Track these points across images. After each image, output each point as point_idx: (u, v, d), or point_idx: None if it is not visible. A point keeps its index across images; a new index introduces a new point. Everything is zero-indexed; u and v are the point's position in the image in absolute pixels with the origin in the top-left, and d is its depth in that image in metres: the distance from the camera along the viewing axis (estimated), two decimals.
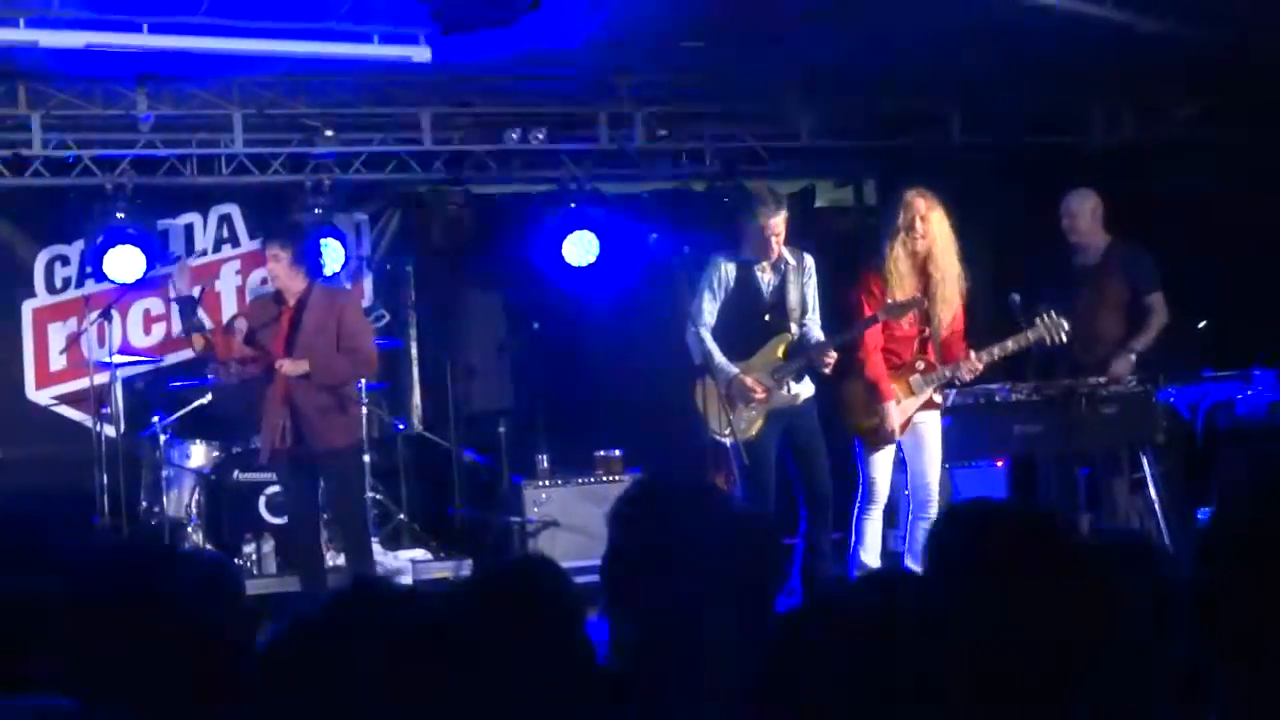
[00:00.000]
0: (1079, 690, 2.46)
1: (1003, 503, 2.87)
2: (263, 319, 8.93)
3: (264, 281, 10.24)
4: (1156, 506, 8.99)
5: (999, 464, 10.14)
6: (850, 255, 11.56)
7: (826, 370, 8.50)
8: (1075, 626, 2.48)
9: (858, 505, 8.65)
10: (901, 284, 8.51)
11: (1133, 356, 9.18)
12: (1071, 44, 9.71)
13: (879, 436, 8.58)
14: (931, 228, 8.54)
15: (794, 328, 8.56)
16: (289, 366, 8.62)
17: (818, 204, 12.85)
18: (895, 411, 8.53)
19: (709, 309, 8.51)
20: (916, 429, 8.66)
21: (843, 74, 11.03)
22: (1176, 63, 10.43)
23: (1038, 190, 10.72)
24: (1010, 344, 8.65)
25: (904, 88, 11.53)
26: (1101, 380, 8.96)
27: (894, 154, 12.19)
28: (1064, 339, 8.62)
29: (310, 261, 9.19)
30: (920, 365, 8.64)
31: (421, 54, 9.25)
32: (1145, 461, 9.05)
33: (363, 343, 8.93)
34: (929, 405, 8.67)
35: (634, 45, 10.14)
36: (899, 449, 8.70)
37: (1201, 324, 11.20)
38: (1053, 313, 8.61)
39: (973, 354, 8.57)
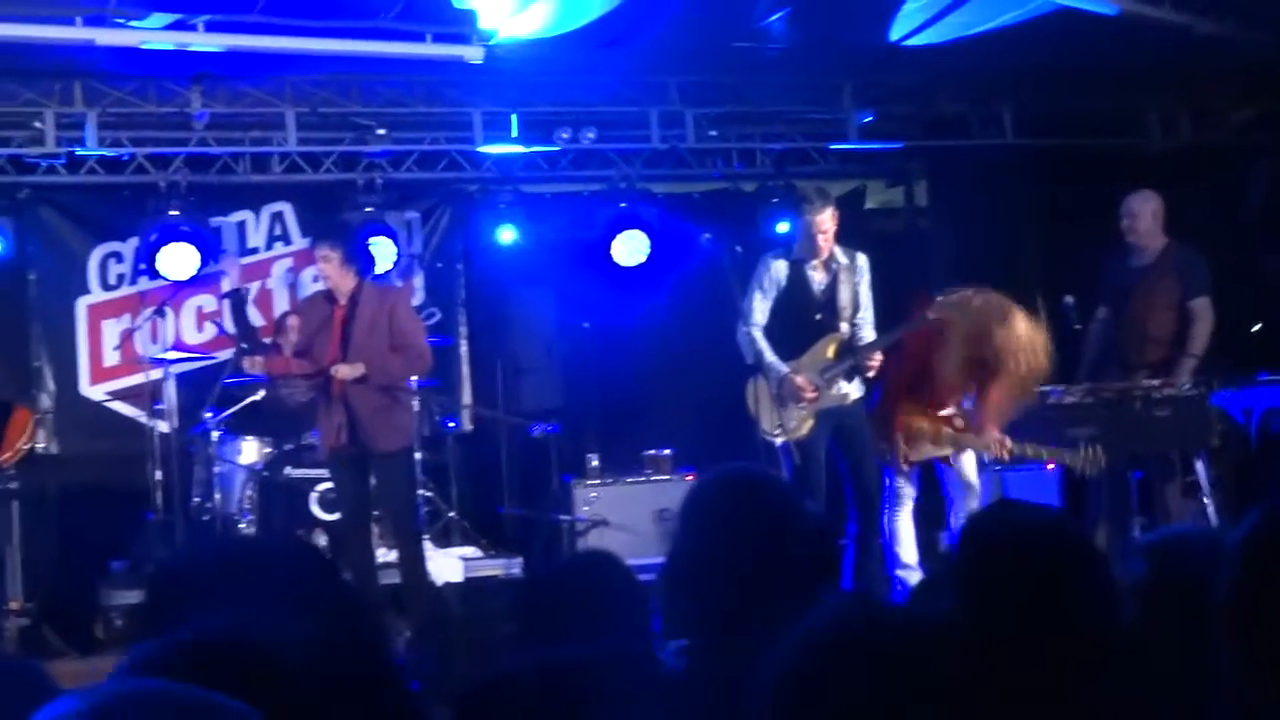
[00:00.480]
0: (1094, 690, 2.44)
1: (1022, 508, 2.84)
2: (314, 318, 8.96)
3: (316, 279, 10.29)
4: (1210, 511, 8.91)
5: (1050, 467, 10.08)
6: (900, 256, 11.57)
7: (870, 373, 8.50)
8: (1093, 628, 2.46)
9: (886, 508, 8.67)
10: (948, 371, 8.48)
11: (1194, 362, 9.12)
12: (1129, 45, 9.64)
13: (890, 461, 8.64)
14: (1012, 341, 8.41)
15: (844, 327, 8.55)
16: (345, 371, 8.64)
17: (868, 205, 12.82)
18: (901, 444, 8.59)
19: (760, 308, 8.50)
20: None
21: (895, 73, 11.02)
22: (1234, 66, 10.36)
23: (1091, 192, 10.67)
24: (1045, 453, 8.67)
25: (957, 88, 11.49)
26: (1155, 383, 8.91)
27: (946, 155, 12.16)
28: (1095, 474, 8.63)
29: (361, 260, 9.23)
30: (958, 423, 8.62)
31: (474, 53, 9.26)
32: (1199, 465, 8.98)
33: (416, 338, 8.95)
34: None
35: (685, 45, 10.14)
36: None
37: (1256, 327, 11.13)
38: (1098, 448, 8.58)
39: (1008, 441, 8.51)
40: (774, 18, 9.46)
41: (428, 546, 9.80)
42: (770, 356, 8.40)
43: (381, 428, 8.74)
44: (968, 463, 8.74)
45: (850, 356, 8.48)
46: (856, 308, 8.57)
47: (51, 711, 1.41)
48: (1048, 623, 2.48)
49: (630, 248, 11.51)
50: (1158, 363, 9.17)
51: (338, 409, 8.68)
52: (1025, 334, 8.29)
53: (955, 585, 2.63)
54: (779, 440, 8.31)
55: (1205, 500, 8.90)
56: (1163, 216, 9.34)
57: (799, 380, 8.37)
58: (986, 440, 8.51)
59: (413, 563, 8.96)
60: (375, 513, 9.53)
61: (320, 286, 9.23)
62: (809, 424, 8.43)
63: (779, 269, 8.53)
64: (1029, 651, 2.40)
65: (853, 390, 8.56)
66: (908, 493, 8.76)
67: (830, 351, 8.52)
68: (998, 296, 8.41)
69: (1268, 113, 11.59)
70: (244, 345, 9.82)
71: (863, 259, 8.64)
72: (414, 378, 9.49)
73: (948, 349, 8.45)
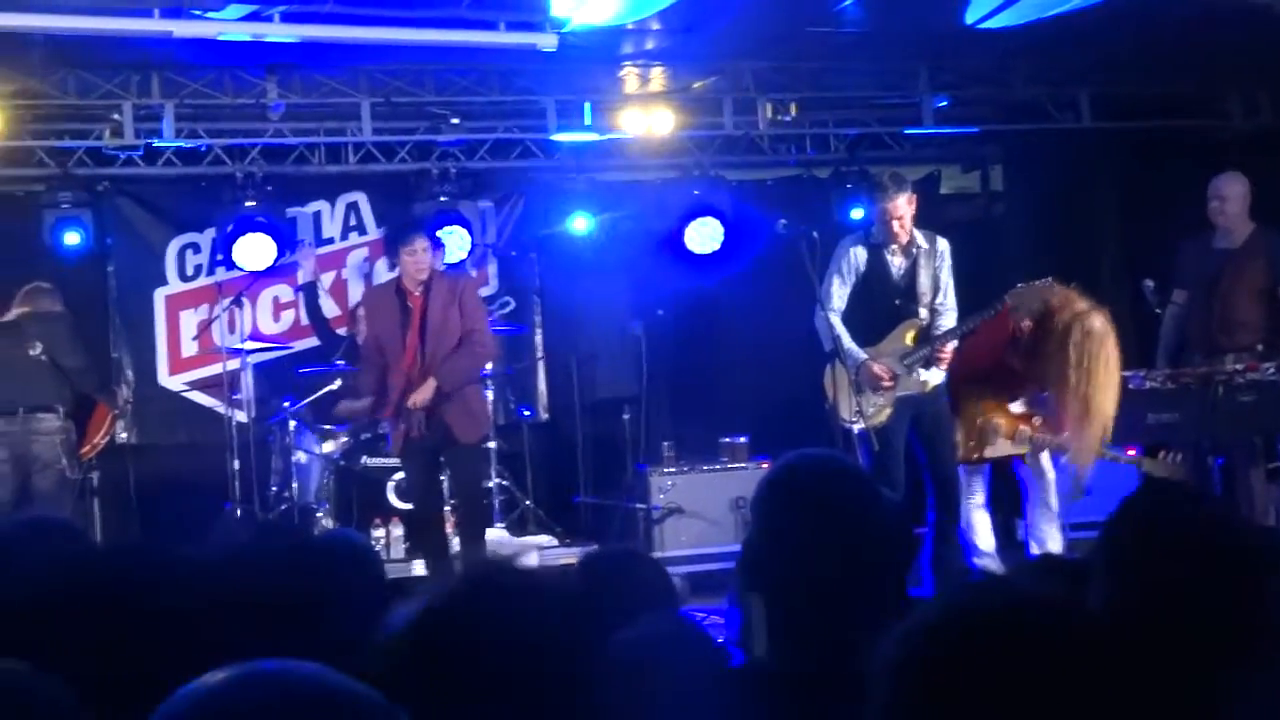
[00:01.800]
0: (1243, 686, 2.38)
1: (1181, 494, 2.77)
2: (383, 311, 8.97)
3: (390, 269, 10.32)
4: None
5: (1130, 453, 9.98)
6: (976, 242, 11.47)
7: (941, 363, 8.40)
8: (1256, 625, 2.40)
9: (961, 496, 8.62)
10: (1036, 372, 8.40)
11: None
12: (1208, 26, 9.51)
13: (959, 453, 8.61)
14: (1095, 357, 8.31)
15: (924, 312, 8.47)
16: (420, 398, 8.66)
17: (943, 190, 12.73)
18: (963, 436, 8.58)
19: (839, 293, 8.43)
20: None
21: (970, 57, 10.93)
22: None
23: (1170, 175, 10.54)
24: (1123, 457, 8.57)
25: (1033, 71, 11.38)
26: (1239, 367, 8.78)
27: (1022, 139, 12.04)
28: (1175, 480, 8.53)
29: (439, 248, 9.33)
30: (1036, 421, 8.54)
31: (547, 41, 9.25)
32: None
33: (479, 325, 8.96)
34: None
35: (759, 30, 10.09)
36: None
37: None
38: (1178, 457, 8.47)
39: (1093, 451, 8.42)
40: (848, 2, 9.39)
41: (504, 535, 9.84)
42: (848, 342, 8.33)
43: (460, 419, 8.77)
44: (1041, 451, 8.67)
45: (928, 344, 8.41)
46: (936, 292, 8.48)
47: (184, 695, 1.42)
48: (1210, 616, 2.41)
49: (704, 234, 11.48)
50: (1244, 347, 9.04)
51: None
52: (1108, 344, 8.17)
53: (1105, 571, 2.56)
54: (857, 428, 8.24)
55: None
56: (1250, 199, 9.23)
57: (877, 367, 8.31)
58: (1062, 445, 8.41)
59: (475, 551, 8.93)
60: (452, 502, 9.57)
61: (392, 276, 9.26)
62: (887, 411, 8.36)
63: (858, 254, 8.46)
64: (1183, 643, 2.34)
65: (932, 377, 8.47)
66: (980, 480, 8.69)
67: (909, 338, 8.45)
68: (1075, 295, 8.28)
69: None
70: (338, 391, 9.85)
71: (943, 243, 8.55)
72: (485, 367, 9.53)
73: (1032, 351, 8.35)
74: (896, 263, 8.45)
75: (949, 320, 8.48)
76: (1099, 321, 8.13)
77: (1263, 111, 11.83)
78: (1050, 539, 8.55)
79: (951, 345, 8.38)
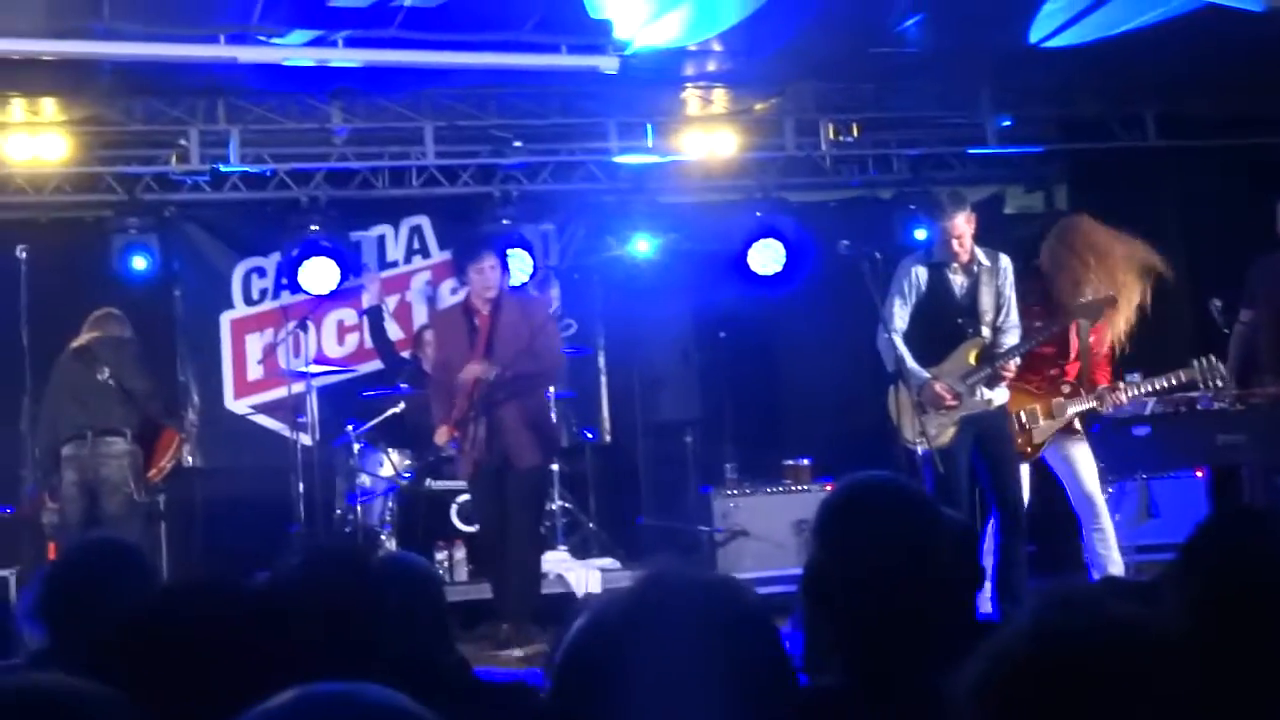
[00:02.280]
0: None
1: (1262, 519, 2.71)
2: (452, 331, 9.00)
3: (453, 292, 10.36)
4: None
5: (1199, 474, 9.87)
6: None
7: (1004, 381, 8.35)
8: None
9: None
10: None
11: None
12: (1274, 43, 9.42)
13: None
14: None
15: (986, 331, 8.40)
16: (474, 372, 8.63)
17: (1007, 210, 12.65)
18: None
19: (900, 313, 8.37)
20: (1061, 448, 8.55)
21: (1034, 76, 10.87)
22: None
23: (1238, 193, 10.44)
24: (1161, 382, 8.49)
25: (1097, 90, 11.31)
26: None
27: (1086, 158, 11.96)
28: (1219, 385, 8.41)
29: (506, 267, 9.35)
30: (1065, 389, 8.50)
31: (609, 64, 9.28)
32: None
33: (548, 341, 8.96)
34: (1070, 430, 8.53)
35: (820, 51, 10.08)
36: (1047, 466, 8.63)
37: None
38: (1212, 358, 8.40)
39: (1121, 385, 8.40)
40: (910, 22, 9.37)
41: (566, 557, 9.82)
42: (911, 363, 8.27)
43: (519, 443, 8.73)
44: (1088, 475, 8.57)
45: (991, 362, 8.35)
46: (999, 310, 8.41)
47: (252, 717, 1.43)
48: None
49: (766, 256, 11.46)
50: None
51: (481, 421, 8.69)
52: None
53: (1185, 595, 2.52)
54: (921, 449, 8.18)
55: None
56: None
57: (939, 387, 8.24)
58: (1099, 394, 8.41)
59: (527, 575, 8.87)
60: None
61: (458, 299, 9.28)
62: (951, 432, 8.29)
63: (919, 274, 8.40)
64: (1267, 667, 2.30)
65: (996, 396, 8.40)
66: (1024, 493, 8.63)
67: (972, 357, 8.37)
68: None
69: None
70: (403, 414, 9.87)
71: (1005, 260, 8.47)
72: (551, 390, 9.52)
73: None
74: (958, 281, 8.39)
75: (1012, 338, 8.40)
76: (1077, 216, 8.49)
77: None
78: (1110, 563, 8.47)
79: (1014, 363, 8.32)
